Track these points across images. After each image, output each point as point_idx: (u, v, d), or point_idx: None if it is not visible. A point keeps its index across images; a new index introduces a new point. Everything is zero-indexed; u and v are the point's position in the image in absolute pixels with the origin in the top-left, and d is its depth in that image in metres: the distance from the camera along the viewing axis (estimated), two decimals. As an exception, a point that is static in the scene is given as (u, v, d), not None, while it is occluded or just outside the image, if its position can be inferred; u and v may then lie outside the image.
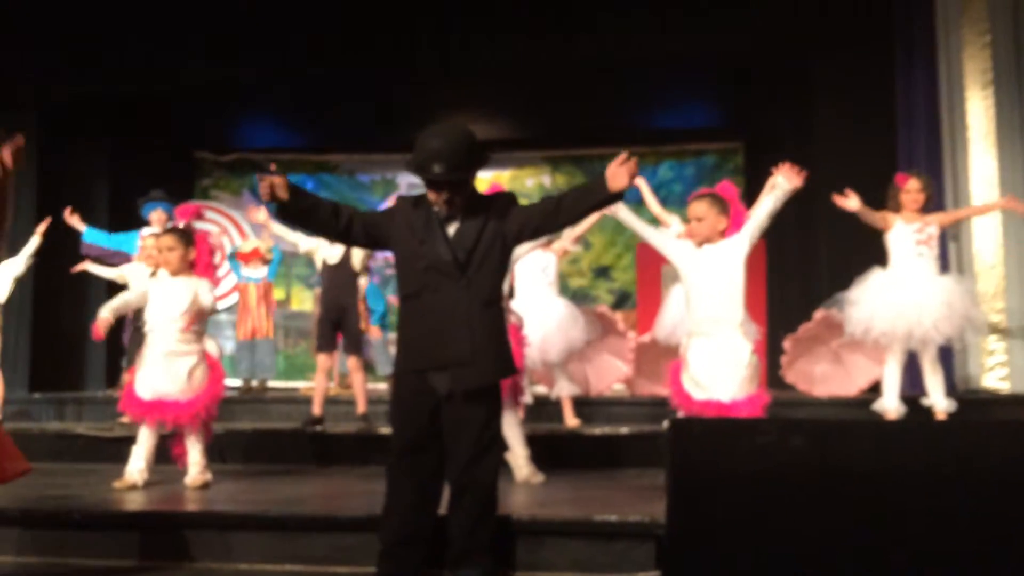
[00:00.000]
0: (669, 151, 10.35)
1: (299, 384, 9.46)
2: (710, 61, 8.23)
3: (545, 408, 6.11)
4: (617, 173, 3.08)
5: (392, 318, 8.91)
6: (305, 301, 10.72)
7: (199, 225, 5.14)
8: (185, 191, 10.36)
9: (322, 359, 5.99)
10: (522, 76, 8.50)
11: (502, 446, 3.21)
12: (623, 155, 3.10)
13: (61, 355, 8.68)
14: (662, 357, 6.19)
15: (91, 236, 7.08)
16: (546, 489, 4.31)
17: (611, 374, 6.83)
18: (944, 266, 5.88)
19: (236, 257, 8.72)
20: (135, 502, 4.02)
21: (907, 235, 5.19)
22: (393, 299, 9.92)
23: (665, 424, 5.44)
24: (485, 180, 10.38)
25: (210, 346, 5.06)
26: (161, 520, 3.66)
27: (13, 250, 7.22)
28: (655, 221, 6.19)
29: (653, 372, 6.62)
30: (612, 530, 3.27)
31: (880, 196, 5.41)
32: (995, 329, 6.10)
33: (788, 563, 2.44)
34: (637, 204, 10.29)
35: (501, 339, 3.17)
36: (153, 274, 5.90)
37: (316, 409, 5.82)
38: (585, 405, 6.17)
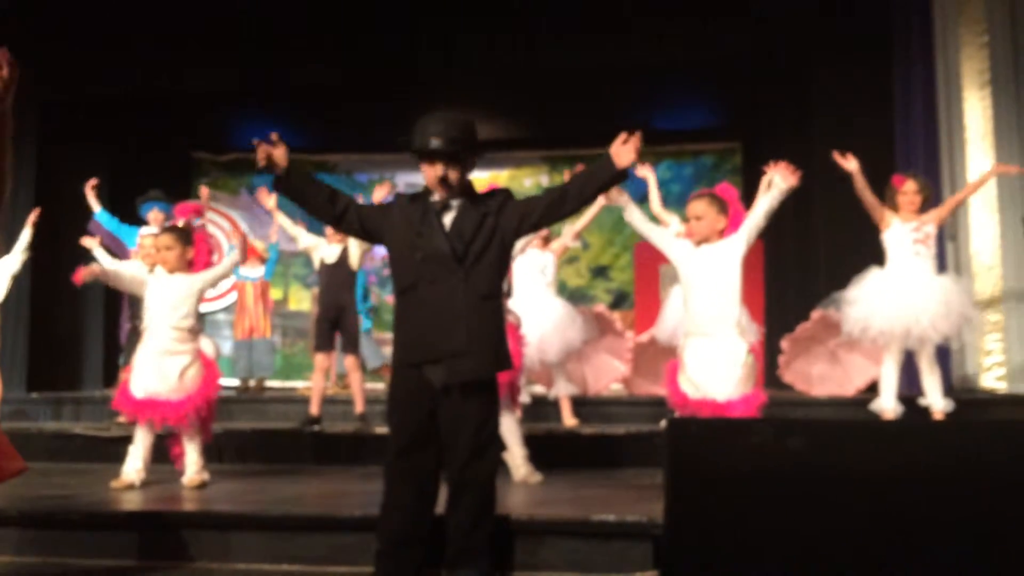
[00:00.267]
0: (667, 151, 10.35)
1: (297, 384, 9.46)
2: (708, 62, 8.23)
3: (543, 408, 6.12)
4: (622, 151, 3.09)
5: (387, 316, 8.90)
6: (303, 301, 10.71)
7: (202, 224, 5.15)
8: (183, 191, 10.34)
9: (320, 359, 6.00)
10: (521, 77, 8.50)
11: (500, 445, 3.20)
12: (623, 134, 3.11)
13: (58, 355, 8.68)
14: (660, 357, 6.20)
15: (102, 217, 7.08)
16: (544, 489, 4.31)
17: (609, 374, 6.84)
18: (942, 266, 5.89)
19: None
20: (132, 502, 4.02)
21: (904, 234, 5.20)
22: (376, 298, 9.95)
23: (663, 424, 5.45)
24: (483, 180, 10.41)
25: (206, 345, 5.06)
26: (159, 520, 3.66)
27: (8, 245, 7.22)
28: (655, 219, 6.21)
29: (651, 372, 6.63)
30: (610, 530, 3.27)
31: (877, 195, 5.41)
32: (993, 329, 6.11)
33: (785, 563, 2.44)
34: (639, 201, 10.33)
35: (498, 333, 3.16)
36: (151, 271, 5.91)
37: (314, 409, 5.82)
38: (583, 405, 6.17)
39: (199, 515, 3.68)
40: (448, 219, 3.14)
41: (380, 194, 5.53)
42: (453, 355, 3.04)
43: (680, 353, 4.17)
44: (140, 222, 7.40)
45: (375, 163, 10.61)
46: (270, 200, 5.91)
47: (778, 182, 4.02)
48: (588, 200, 3.23)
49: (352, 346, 5.98)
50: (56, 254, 8.48)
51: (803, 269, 8.19)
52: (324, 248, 5.99)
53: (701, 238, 4.11)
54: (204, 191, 6.74)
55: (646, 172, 5.90)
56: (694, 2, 7.55)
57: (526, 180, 10.53)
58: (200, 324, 4.76)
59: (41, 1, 7.49)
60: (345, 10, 7.86)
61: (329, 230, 5.97)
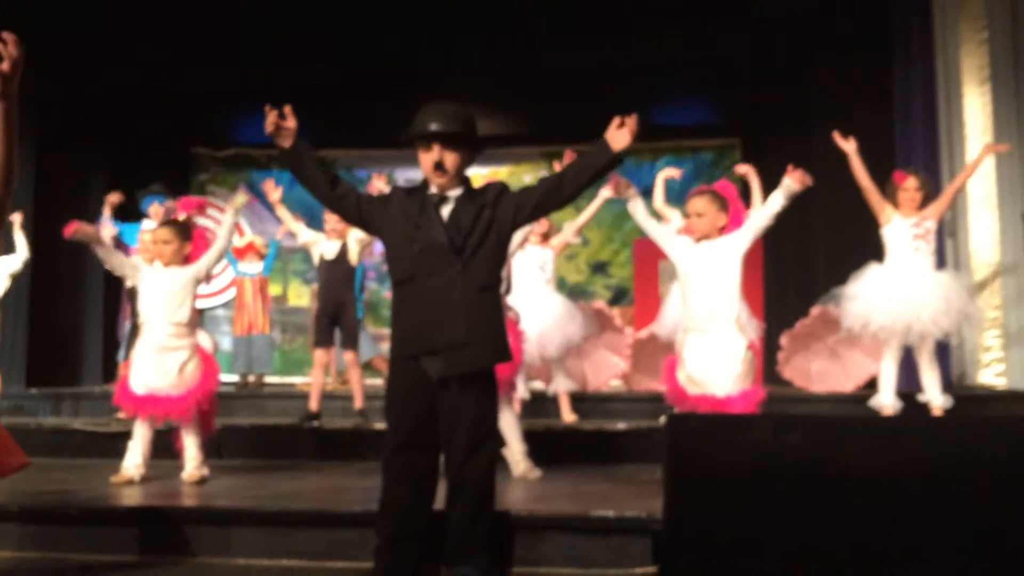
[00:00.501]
0: (666, 147, 10.35)
1: (296, 380, 9.46)
2: (708, 60, 8.23)
3: (542, 404, 6.12)
4: (617, 135, 3.08)
5: (385, 312, 8.90)
6: (302, 296, 10.72)
7: (201, 220, 5.14)
8: (182, 186, 10.35)
9: (319, 354, 6.00)
10: (521, 75, 8.50)
11: (499, 439, 3.20)
12: (618, 118, 3.09)
13: (58, 350, 8.69)
14: (659, 353, 6.20)
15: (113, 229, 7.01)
16: (543, 484, 4.31)
17: (608, 370, 6.84)
18: (941, 263, 5.90)
19: (232, 252, 8.72)
20: (132, 497, 4.02)
21: (904, 229, 5.20)
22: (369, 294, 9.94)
23: (662, 420, 5.46)
24: (482, 176, 10.40)
25: (204, 340, 5.05)
26: (158, 515, 3.66)
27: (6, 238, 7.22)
28: (656, 215, 6.22)
29: (650, 368, 6.64)
30: (609, 525, 3.27)
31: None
32: (992, 325, 6.11)
33: (784, 558, 2.45)
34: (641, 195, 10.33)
35: (496, 324, 3.14)
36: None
37: (313, 404, 5.82)
38: (582, 401, 6.18)
39: (199, 510, 3.69)
40: (446, 211, 3.13)
41: (377, 185, 5.53)
42: (451, 347, 3.02)
43: (679, 349, 4.18)
44: (139, 217, 7.40)
45: (374, 159, 10.61)
46: (275, 193, 5.87)
47: (788, 183, 4.04)
48: (584, 186, 3.16)
49: (351, 342, 5.99)
50: (55, 251, 8.47)
51: (802, 266, 8.20)
52: (323, 244, 5.99)
53: (702, 235, 4.12)
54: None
55: (662, 174, 5.94)
56: (694, 1, 7.55)
57: (526, 176, 10.53)
58: (198, 318, 4.75)
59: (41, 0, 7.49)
60: (345, 9, 7.85)
61: (328, 226, 5.97)
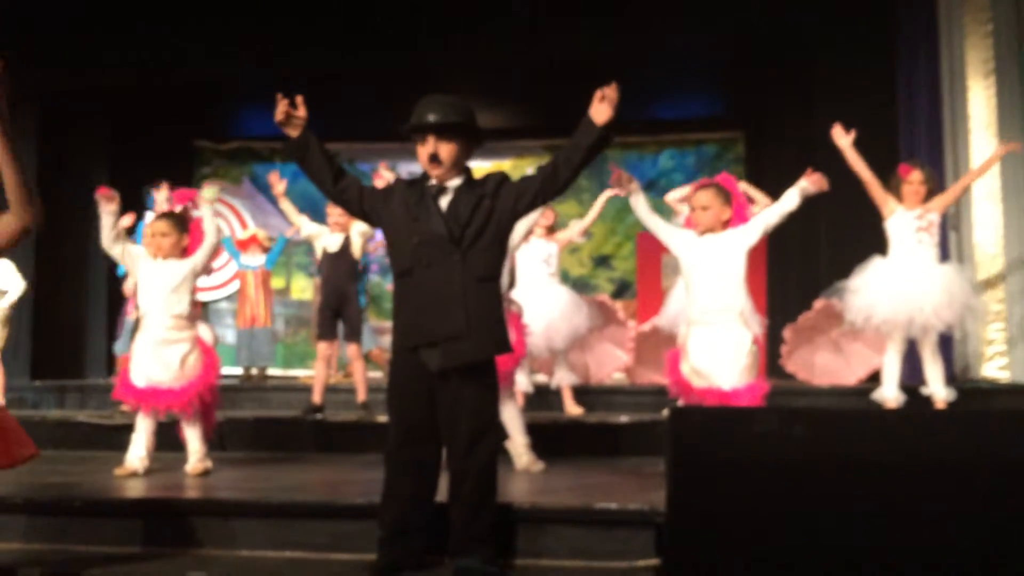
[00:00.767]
0: (670, 140, 10.36)
1: (299, 372, 9.48)
2: (711, 51, 8.22)
3: (546, 397, 6.13)
4: (598, 108, 3.05)
5: (387, 305, 8.91)
6: (305, 290, 10.73)
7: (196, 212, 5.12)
8: (184, 179, 10.35)
9: (322, 347, 6.01)
10: (522, 65, 8.49)
11: (500, 431, 3.20)
12: (599, 91, 3.05)
13: (62, 343, 8.71)
14: (662, 346, 6.20)
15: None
16: (546, 477, 4.32)
17: (611, 363, 6.85)
18: (945, 255, 5.89)
19: (234, 244, 8.73)
20: (136, 489, 4.03)
21: (908, 222, 5.19)
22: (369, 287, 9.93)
23: (665, 412, 5.47)
24: (483, 169, 10.38)
25: (204, 332, 5.04)
26: (163, 507, 3.67)
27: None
28: (660, 208, 6.22)
29: (653, 361, 6.64)
30: (612, 518, 3.28)
31: (883, 186, 5.40)
32: (995, 318, 6.11)
33: (787, 551, 2.45)
34: (644, 188, 10.32)
35: (496, 316, 3.13)
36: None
37: (316, 397, 5.84)
38: (585, 394, 6.19)
39: (203, 502, 3.70)
40: (444, 202, 3.13)
41: (384, 175, 5.53)
42: (450, 338, 3.02)
43: (683, 342, 4.18)
44: (140, 209, 7.41)
45: (377, 152, 10.59)
46: (280, 185, 5.86)
47: (804, 186, 4.04)
48: (578, 168, 3.11)
49: (355, 335, 5.99)
50: (59, 243, 8.50)
51: (805, 259, 8.19)
52: (326, 237, 5.99)
53: (706, 228, 4.12)
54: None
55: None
56: (696, -8, 7.54)
57: (528, 169, 10.51)
58: (199, 311, 4.74)
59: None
60: (346, 2, 7.84)
61: (331, 219, 5.97)
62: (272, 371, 8.67)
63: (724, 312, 4.02)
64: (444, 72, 8.47)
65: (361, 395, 5.94)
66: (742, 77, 8.83)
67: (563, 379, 6.05)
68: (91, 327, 9.18)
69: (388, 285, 9.33)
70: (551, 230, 6.20)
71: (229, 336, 9.47)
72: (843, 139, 5.22)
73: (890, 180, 5.34)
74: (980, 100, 6.37)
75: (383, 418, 5.28)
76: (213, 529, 3.48)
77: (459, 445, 3.07)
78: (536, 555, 3.28)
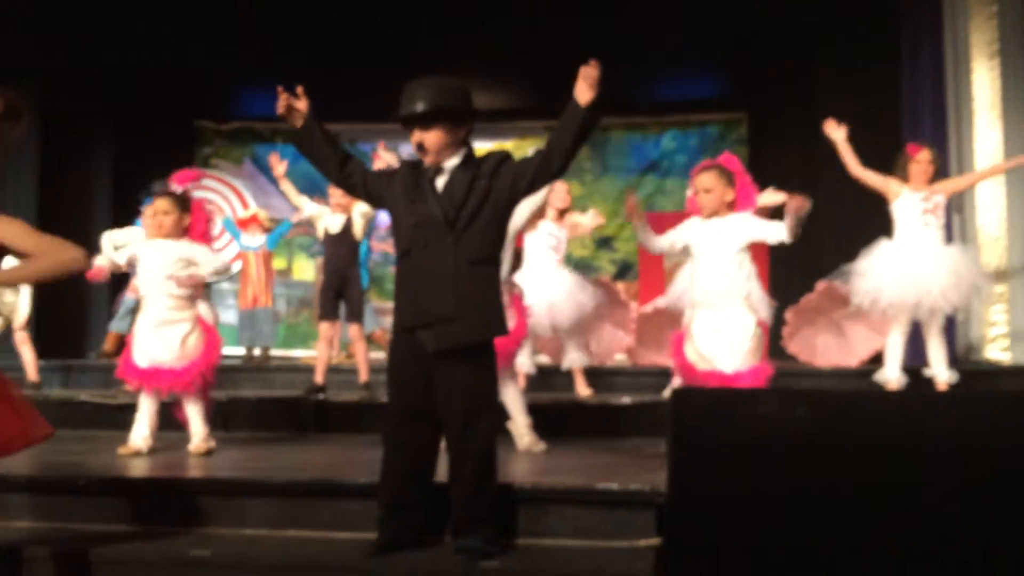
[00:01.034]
0: (672, 121, 10.33)
1: (301, 353, 9.49)
2: (714, 32, 8.18)
3: (548, 378, 6.14)
4: (580, 88, 3.01)
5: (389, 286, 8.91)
6: (307, 270, 10.74)
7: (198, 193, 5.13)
8: (186, 159, 10.33)
9: (324, 327, 6.01)
10: (524, 46, 8.45)
11: (499, 413, 3.20)
12: (582, 68, 3.01)
13: (65, 322, 8.71)
14: (664, 327, 6.20)
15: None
16: (548, 457, 4.33)
17: (613, 344, 6.84)
18: (948, 238, 5.88)
19: (235, 223, 8.72)
20: (140, 468, 4.05)
21: (914, 204, 5.18)
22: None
23: (666, 393, 5.49)
24: (485, 150, 10.36)
25: (204, 311, 5.05)
26: (167, 486, 3.69)
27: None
28: (662, 189, 6.22)
29: (655, 342, 6.64)
30: (614, 498, 3.29)
31: (884, 166, 5.39)
32: (997, 300, 6.11)
33: (789, 532, 2.46)
34: (643, 173, 10.29)
35: (490, 298, 3.12)
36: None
37: (318, 377, 5.85)
38: (587, 375, 6.19)
39: (206, 481, 3.71)
40: (441, 183, 3.13)
41: (383, 155, 5.52)
42: (442, 320, 3.04)
43: (687, 324, 4.19)
44: (141, 188, 7.41)
45: (379, 132, 10.55)
46: (280, 167, 5.84)
47: (789, 220, 4.03)
48: (570, 151, 3.08)
49: (356, 316, 6.00)
50: (60, 222, 8.47)
51: (807, 241, 8.13)
52: (328, 218, 5.98)
53: (711, 211, 4.12)
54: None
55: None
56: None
57: (530, 150, 10.45)
58: (199, 291, 4.73)
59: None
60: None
61: (333, 200, 5.95)
62: (274, 351, 8.68)
63: (728, 295, 4.03)
64: (446, 51, 8.44)
65: (363, 375, 5.95)
66: (746, 58, 8.79)
67: (575, 361, 6.04)
68: (94, 306, 9.19)
69: (391, 267, 9.33)
70: (563, 213, 6.13)
71: (231, 316, 9.48)
72: (836, 132, 5.19)
73: (897, 159, 5.32)
74: (984, 82, 6.35)
75: (385, 398, 5.30)
76: (216, 508, 3.50)
77: (456, 426, 3.09)
78: (538, 535, 3.29)
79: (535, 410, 4.63)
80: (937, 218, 5.18)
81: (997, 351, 6.14)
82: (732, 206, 4.14)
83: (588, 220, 6.18)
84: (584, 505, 3.31)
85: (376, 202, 3.34)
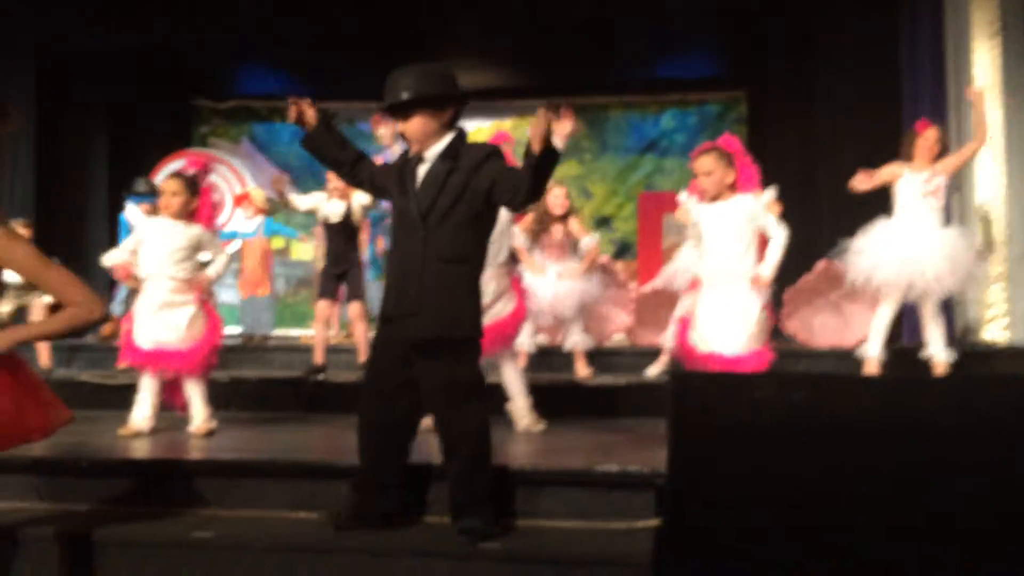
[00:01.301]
0: (671, 100, 10.29)
1: (299, 332, 9.48)
2: (713, 10, 8.13)
3: (548, 358, 6.15)
4: (533, 135, 2.90)
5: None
6: (306, 251, 10.72)
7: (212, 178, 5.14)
8: (183, 138, 10.31)
9: (321, 306, 6.00)
10: (524, 24, 8.40)
11: (486, 395, 3.20)
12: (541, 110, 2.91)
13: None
14: (663, 307, 6.21)
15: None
16: (547, 438, 4.35)
17: (612, 324, 6.86)
18: (947, 217, 5.88)
19: (232, 202, 8.71)
20: (142, 449, 4.07)
21: (916, 185, 5.17)
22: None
23: (649, 372, 5.50)
24: (487, 129, 10.33)
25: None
26: (170, 467, 3.71)
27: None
28: (661, 169, 6.21)
29: (653, 322, 6.65)
30: (613, 480, 3.31)
31: (883, 145, 5.39)
32: (996, 280, 6.11)
33: (787, 513, 2.47)
34: (642, 152, 10.26)
35: (459, 296, 3.09)
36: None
37: (318, 357, 5.86)
38: (586, 355, 6.19)
39: (208, 463, 3.73)
40: (421, 173, 3.16)
41: (381, 132, 5.52)
42: (406, 314, 3.09)
43: (693, 306, 4.22)
44: (139, 167, 7.40)
45: (377, 111, 10.54)
46: (284, 186, 5.89)
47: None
48: (534, 188, 2.98)
49: (357, 295, 5.99)
50: (58, 205, 8.49)
51: (806, 220, 8.16)
52: (328, 206, 5.94)
53: (713, 194, 4.13)
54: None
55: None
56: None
57: (527, 129, 10.44)
58: (203, 279, 4.73)
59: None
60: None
61: (331, 184, 5.91)
62: (273, 332, 8.69)
63: (733, 278, 4.05)
64: (447, 30, 8.40)
65: (363, 355, 5.95)
66: (745, 37, 8.75)
67: (577, 344, 6.02)
68: (92, 285, 9.18)
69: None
70: (564, 218, 5.98)
71: (230, 296, 9.46)
72: (864, 184, 5.19)
73: (903, 137, 5.32)
74: (985, 60, 6.32)
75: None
76: (219, 489, 3.52)
77: (439, 416, 3.15)
78: (537, 516, 3.32)
79: (534, 390, 4.65)
80: (937, 200, 5.17)
81: (995, 331, 6.15)
82: (734, 187, 4.15)
83: (584, 244, 6.00)
84: (583, 487, 3.34)
85: (381, 195, 3.42)
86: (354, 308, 6.01)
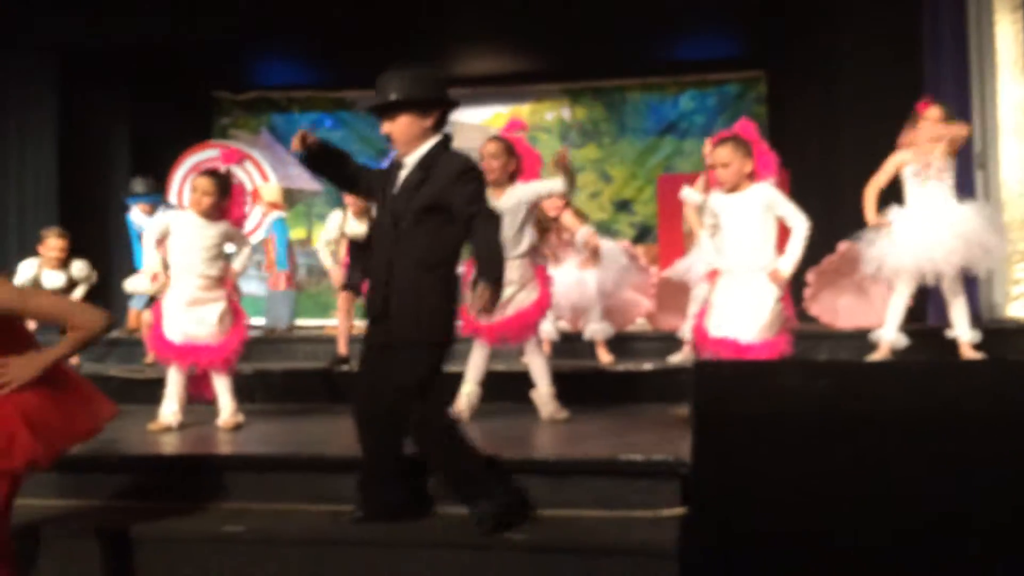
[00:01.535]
0: (690, 81, 10.20)
1: (323, 322, 9.52)
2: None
3: (570, 344, 6.15)
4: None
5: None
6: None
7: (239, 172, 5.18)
8: (204, 131, 10.34)
9: (343, 297, 6.03)
10: (540, 7, 8.36)
11: (430, 405, 3.18)
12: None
13: (88, 296, 8.78)
14: (684, 292, 6.19)
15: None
16: (570, 426, 4.37)
17: (633, 309, 6.84)
18: (971, 193, 5.82)
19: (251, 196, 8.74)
20: (172, 445, 4.13)
21: (916, 169, 5.15)
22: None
23: (673, 359, 5.49)
24: (504, 115, 10.30)
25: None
26: (199, 462, 3.76)
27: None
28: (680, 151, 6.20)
29: (675, 307, 6.62)
30: (638, 469, 3.32)
31: (906, 123, 5.33)
32: (1021, 258, 6.05)
33: (811, 501, 2.48)
34: (661, 134, 10.20)
35: (428, 302, 3.11)
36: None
37: (342, 348, 5.90)
38: (607, 341, 6.20)
39: (236, 457, 3.78)
40: (401, 178, 3.23)
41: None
42: (377, 317, 3.19)
43: (711, 295, 4.24)
44: (159, 162, 7.44)
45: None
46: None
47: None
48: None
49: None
50: (82, 198, 8.56)
51: (828, 201, 8.11)
52: (351, 224, 5.94)
53: (730, 185, 4.13)
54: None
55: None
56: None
57: (547, 114, 10.41)
58: (231, 276, 4.77)
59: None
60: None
61: (348, 199, 5.92)
62: (296, 322, 8.73)
63: (752, 268, 4.04)
64: (462, 16, 8.37)
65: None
66: (763, 15, 8.66)
67: (597, 333, 6.03)
68: (117, 279, 9.26)
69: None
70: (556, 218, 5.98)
71: (253, 287, 9.49)
72: (873, 213, 5.21)
73: (908, 117, 5.27)
74: (1008, 35, 6.23)
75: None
76: (248, 483, 3.57)
77: (386, 413, 3.21)
78: (561, 505, 3.34)
79: (557, 377, 4.66)
80: (941, 180, 5.09)
81: (1021, 309, 6.09)
82: (752, 176, 4.14)
83: (579, 237, 5.97)
84: (608, 476, 3.35)
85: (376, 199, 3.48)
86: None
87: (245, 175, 9.33)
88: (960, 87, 6.50)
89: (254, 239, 8.16)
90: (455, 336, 3.26)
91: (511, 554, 3.07)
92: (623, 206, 10.30)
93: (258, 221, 8.69)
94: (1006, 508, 2.23)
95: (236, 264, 4.79)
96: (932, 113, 5.17)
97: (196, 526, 3.31)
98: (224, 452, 3.94)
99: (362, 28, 8.77)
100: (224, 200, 4.66)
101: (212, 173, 4.74)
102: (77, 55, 8.44)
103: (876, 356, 5.16)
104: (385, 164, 3.60)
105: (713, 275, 4.38)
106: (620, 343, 6.25)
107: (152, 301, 6.23)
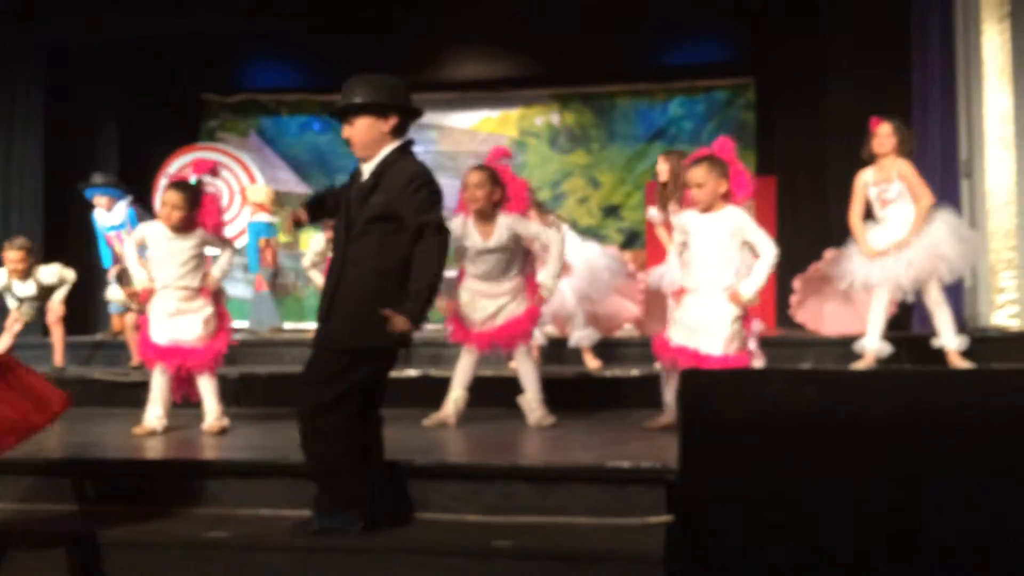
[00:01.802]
0: (679, 87, 10.22)
1: (310, 326, 9.49)
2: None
3: (557, 351, 6.15)
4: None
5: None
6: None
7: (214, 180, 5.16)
8: (192, 133, 10.31)
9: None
10: (529, 12, 8.37)
11: (337, 413, 3.15)
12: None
13: (72, 299, 8.72)
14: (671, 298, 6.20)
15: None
16: (558, 432, 4.36)
17: (620, 315, 6.84)
18: (955, 203, 5.86)
19: (240, 199, 8.71)
20: (156, 449, 4.10)
21: (874, 193, 5.25)
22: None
23: (659, 365, 5.52)
24: (493, 120, 10.31)
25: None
26: (183, 467, 3.74)
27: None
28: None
29: (662, 313, 6.62)
30: (625, 476, 3.32)
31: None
32: (1006, 267, 6.09)
33: (799, 510, 2.48)
34: (650, 140, 10.23)
35: (367, 309, 3.07)
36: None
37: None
38: (594, 347, 6.20)
39: (221, 463, 3.75)
40: (357, 185, 3.26)
41: None
42: (319, 318, 3.22)
43: (673, 312, 4.30)
44: (148, 166, 7.39)
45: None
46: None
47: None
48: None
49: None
50: (66, 200, 8.50)
51: (815, 207, 8.14)
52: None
53: (705, 205, 4.17)
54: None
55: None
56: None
57: (536, 119, 10.40)
58: (211, 282, 4.74)
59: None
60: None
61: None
62: (285, 325, 8.70)
63: (714, 287, 4.11)
64: (450, 20, 8.37)
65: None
66: (752, 22, 8.69)
67: (582, 339, 6.05)
68: (100, 283, 9.20)
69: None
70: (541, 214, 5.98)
71: (239, 290, 9.46)
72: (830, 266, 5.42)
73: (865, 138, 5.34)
74: (995, 44, 6.27)
75: (394, 373, 5.32)
76: (232, 488, 3.55)
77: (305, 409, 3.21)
78: (549, 512, 3.33)
79: (544, 383, 4.65)
80: (897, 202, 5.17)
81: (1005, 317, 6.12)
82: (727, 196, 4.18)
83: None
84: (595, 483, 3.34)
85: None
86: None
87: (223, 183, 9.28)
88: (947, 96, 6.54)
89: (240, 243, 8.15)
90: (401, 344, 3.17)
91: (497, 560, 3.05)
92: (611, 211, 10.30)
93: (245, 225, 8.68)
94: (985, 516, 2.23)
95: (215, 270, 4.74)
96: (883, 129, 5.21)
97: (180, 531, 3.28)
98: (209, 457, 3.92)
99: (351, 32, 8.77)
100: (195, 211, 4.62)
101: (181, 185, 4.67)
102: (65, 55, 8.40)
103: (861, 365, 5.18)
104: None
105: (679, 293, 4.41)
106: (607, 349, 6.25)
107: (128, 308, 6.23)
